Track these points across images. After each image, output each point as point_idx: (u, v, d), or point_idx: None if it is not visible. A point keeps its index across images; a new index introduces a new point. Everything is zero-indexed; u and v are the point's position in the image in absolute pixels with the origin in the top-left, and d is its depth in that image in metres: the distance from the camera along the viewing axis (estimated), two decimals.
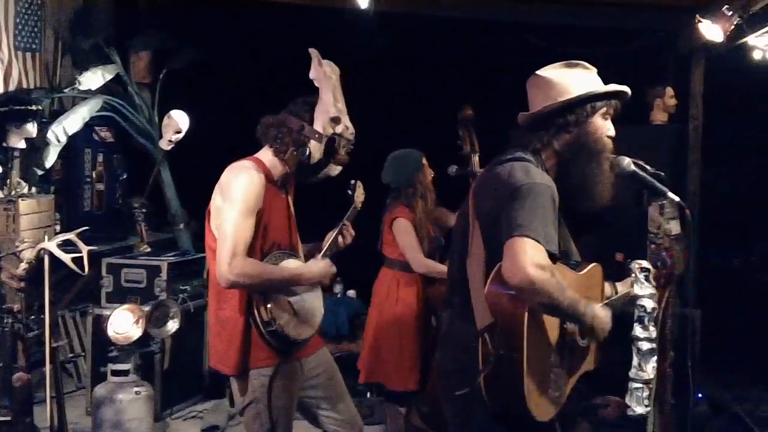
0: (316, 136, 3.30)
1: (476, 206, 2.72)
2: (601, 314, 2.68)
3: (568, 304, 2.51)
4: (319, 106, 3.33)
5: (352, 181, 3.74)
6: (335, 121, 3.32)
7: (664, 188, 2.78)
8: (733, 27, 5.33)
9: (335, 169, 3.42)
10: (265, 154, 3.34)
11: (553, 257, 2.52)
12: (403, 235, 4.55)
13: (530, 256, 2.41)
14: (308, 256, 3.49)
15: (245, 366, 3.25)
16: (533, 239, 2.45)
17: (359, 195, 3.75)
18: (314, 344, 3.49)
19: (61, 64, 6.90)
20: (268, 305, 3.18)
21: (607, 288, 3.00)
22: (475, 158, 4.70)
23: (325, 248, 3.47)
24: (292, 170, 3.32)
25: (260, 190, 3.21)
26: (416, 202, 4.58)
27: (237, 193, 3.15)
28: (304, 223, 3.58)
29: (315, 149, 3.31)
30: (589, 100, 2.75)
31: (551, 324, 2.61)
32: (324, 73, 3.35)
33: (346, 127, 3.35)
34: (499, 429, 2.65)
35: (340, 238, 3.53)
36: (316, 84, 3.35)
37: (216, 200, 3.23)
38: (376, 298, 4.74)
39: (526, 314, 2.47)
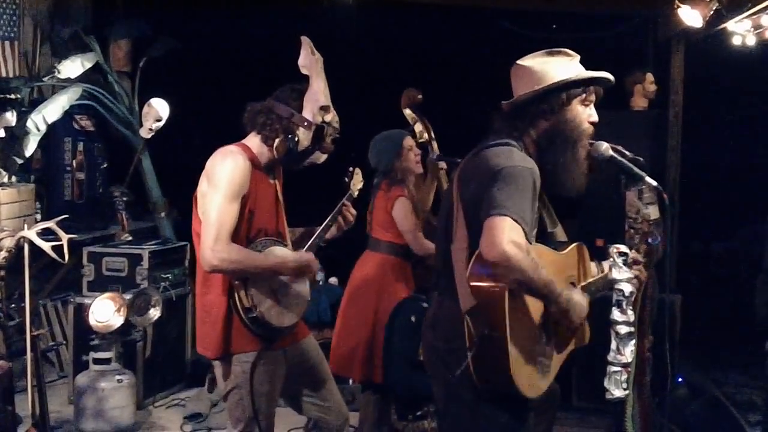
0: (305, 123, 3.30)
1: (460, 191, 2.74)
2: (577, 298, 2.70)
3: (543, 284, 2.54)
4: (309, 94, 3.33)
5: (350, 168, 3.76)
6: (325, 109, 3.33)
7: (642, 173, 2.80)
8: (711, 12, 5.36)
9: (321, 157, 3.44)
10: (252, 140, 3.34)
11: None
12: (404, 215, 4.41)
13: (507, 234, 2.45)
14: (302, 239, 3.52)
15: (227, 351, 3.26)
16: (511, 218, 2.48)
17: (356, 182, 3.77)
18: (300, 332, 3.50)
19: (40, 53, 6.84)
20: (250, 291, 3.18)
21: (594, 269, 3.02)
22: (434, 144, 4.65)
23: (318, 231, 3.50)
24: (280, 157, 3.32)
25: (246, 175, 3.21)
26: (407, 182, 4.49)
27: (222, 178, 3.15)
28: (297, 209, 3.59)
29: (303, 137, 3.32)
30: (565, 87, 2.76)
31: (534, 303, 2.64)
32: (315, 61, 3.35)
33: (333, 115, 3.37)
34: (488, 408, 2.68)
35: (340, 219, 3.56)
36: (306, 72, 3.36)
37: (202, 185, 3.23)
38: (358, 286, 4.58)
39: (506, 294, 2.51)
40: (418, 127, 4.68)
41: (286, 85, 3.40)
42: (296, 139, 3.30)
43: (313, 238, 3.50)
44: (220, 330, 3.23)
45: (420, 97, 4.63)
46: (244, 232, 3.23)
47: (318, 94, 3.33)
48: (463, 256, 2.66)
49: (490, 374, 2.59)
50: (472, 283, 2.58)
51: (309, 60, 3.36)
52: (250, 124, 3.36)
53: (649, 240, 2.82)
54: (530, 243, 2.58)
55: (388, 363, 4.30)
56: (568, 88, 2.76)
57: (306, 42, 3.39)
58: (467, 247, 2.66)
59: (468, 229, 2.67)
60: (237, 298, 3.19)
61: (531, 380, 2.62)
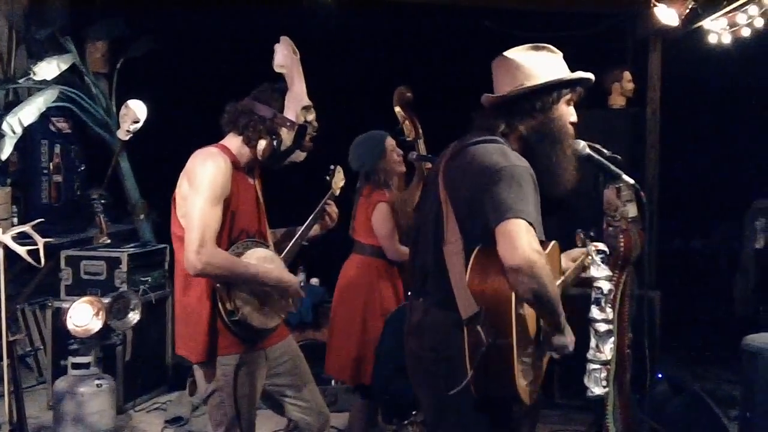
0: (288, 124, 3.30)
1: (449, 192, 2.67)
2: (569, 329, 2.67)
3: (555, 296, 2.48)
4: (292, 93, 3.33)
5: (332, 167, 3.75)
6: (307, 109, 3.34)
7: (619, 171, 2.80)
8: (688, 11, 5.39)
9: (301, 156, 3.44)
10: (232, 141, 3.32)
11: (541, 243, 2.49)
12: (381, 221, 4.39)
13: (528, 239, 2.39)
14: (284, 239, 3.51)
15: (210, 354, 3.23)
16: (527, 221, 2.42)
17: (338, 180, 3.76)
18: (279, 333, 3.48)
19: (15, 55, 6.79)
20: (233, 295, 3.17)
21: (564, 263, 3.01)
22: (421, 143, 4.63)
23: (301, 230, 3.49)
24: (264, 158, 3.31)
25: (227, 178, 3.19)
26: (389, 185, 4.47)
27: (203, 180, 3.13)
28: (278, 209, 3.57)
29: (286, 137, 3.32)
30: (557, 86, 2.74)
31: (528, 308, 2.59)
32: (296, 61, 3.34)
33: (313, 114, 3.37)
34: (482, 415, 2.63)
35: (325, 218, 3.56)
36: (285, 71, 3.34)
37: (182, 188, 3.20)
38: (347, 287, 4.54)
39: (513, 298, 2.44)
40: (407, 126, 4.67)
41: (264, 84, 3.38)
42: (280, 139, 3.30)
43: (295, 237, 3.49)
44: (202, 333, 3.20)
45: (410, 95, 4.61)
46: (226, 234, 3.21)
47: (301, 94, 3.33)
48: (458, 259, 2.58)
49: (493, 383, 2.52)
50: (476, 288, 2.50)
51: (290, 60, 3.35)
52: (231, 125, 3.33)
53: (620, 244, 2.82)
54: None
55: (378, 368, 4.28)
56: (560, 87, 2.74)
57: (286, 41, 3.38)
58: (462, 250, 2.58)
59: (462, 233, 2.60)
60: (219, 301, 3.16)
61: (528, 385, 2.58)
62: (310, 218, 3.55)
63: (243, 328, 3.21)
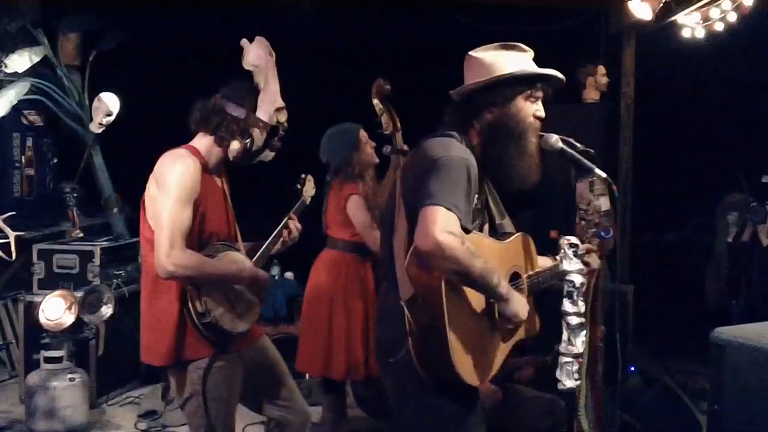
0: (261, 124, 3.29)
1: (402, 184, 2.76)
2: (518, 296, 2.72)
3: (479, 273, 2.53)
4: (265, 94, 3.31)
5: (302, 175, 3.74)
6: (280, 111, 3.33)
7: (592, 165, 2.82)
8: (661, 5, 5.42)
9: (269, 155, 3.42)
10: (201, 141, 3.28)
11: (464, 229, 2.55)
12: (357, 212, 4.38)
13: (440, 223, 2.46)
14: (249, 255, 3.43)
15: (177, 357, 3.19)
16: (443, 207, 2.49)
17: (308, 189, 3.75)
18: (254, 332, 3.45)
19: None
20: (203, 297, 3.13)
21: (543, 261, 3.03)
22: (398, 136, 4.63)
23: (266, 244, 3.45)
24: (237, 159, 3.29)
25: (196, 179, 3.15)
26: (362, 177, 4.45)
27: (172, 183, 3.09)
28: (249, 218, 3.55)
29: (258, 138, 3.30)
30: (509, 82, 2.76)
31: (475, 292, 2.65)
32: (271, 62, 3.32)
33: (285, 115, 3.36)
34: (434, 396, 2.69)
35: (285, 233, 3.51)
36: (259, 71, 3.32)
37: (151, 189, 3.15)
38: (316, 283, 4.55)
39: (443, 283, 2.52)
40: (385, 119, 4.66)
41: (234, 83, 3.34)
42: (252, 140, 3.28)
43: (259, 253, 3.44)
44: (171, 337, 3.16)
45: (388, 87, 4.60)
46: (195, 236, 3.17)
47: (275, 95, 3.32)
48: (403, 245, 2.68)
49: (432, 364, 2.60)
50: (410, 273, 2.60)
51: (264, 60, 3.33)
52: (202, 125, 3.29)
53: (602, 233, 2.84)
54: (467, 232, 2.58)
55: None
56: (512, 83, 2.76)
57: (261, 42, 3.36)
58: (406, 237, 2.67)
59: (408, 221, 2.67)
60: (190, 303, 3.12)
61: (472, 367, 2.62)
62: (275, 232, 3.51)
63: (213, 331, 3.17)
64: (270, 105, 3.29)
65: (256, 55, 3.33)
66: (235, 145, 3.25)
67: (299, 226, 3.56)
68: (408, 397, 2.74)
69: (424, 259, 2.50)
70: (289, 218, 3.55)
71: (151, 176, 3.17)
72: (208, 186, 3.24)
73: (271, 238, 3.49)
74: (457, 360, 2.54)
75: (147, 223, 3.17)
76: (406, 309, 2.62)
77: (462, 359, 2.57)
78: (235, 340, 3.28)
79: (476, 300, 2.66)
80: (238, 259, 3.29)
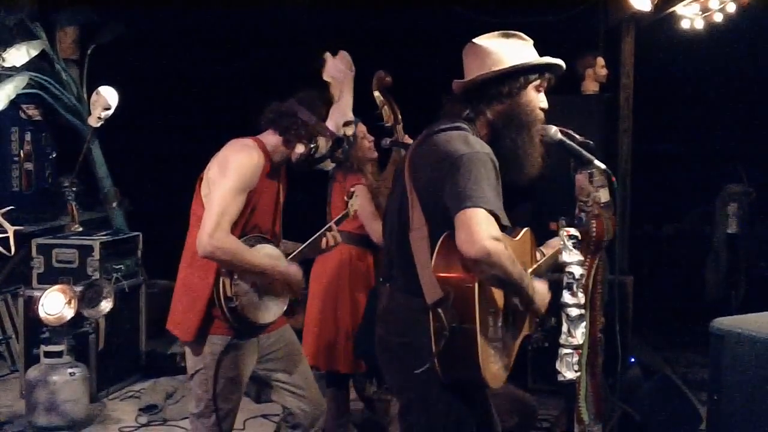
0: (328, 133, 3.40)
1: (414, 179, 2.69)
2: (539, 287, 2.73)
3: (518, 277, 2.53)
4: (338, 106, 3.47)
5: (352, 189, 3.88)
6: (348, 124, 3.48)
7: (591, 156, 2.81)
8: None
9: (329, 165, 3.57)
10: (269, 138, 3.39)
11: (503, 228, 2.53)
12: (362, 202, 4.28)
13: (485, 228, 2.42)
14: (285, 254, 3.51)
15: (201, 335, 3.29)
16: (486, 210, 2.45)
17: (354, 203, 3.83)
18: (276, 322, 3.51)
19: None
20: (235, 282, 3.22)
21: (537, 253, 3.03)
22: (399, 128, 4.62)
23: (302, 246, 3.52)
24: (299, 162, 3.40)
25: (257, 172, 3.27)
26: (363, 171, 4.43)
27: (233, 169, 3.21)
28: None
29: (322, 145, 3.42)
30: (523, 71, 2.74)
31: (498, 293, 2.63)
32: (350, 77, 3.43)
33: (353, 130, 3.57)
34: (453, 400, 2.66)
35: (323, 240, 3.58)
36: (336, 83, 3.48)
37: (212, 170, 3.28)
38: (320, 276, 4.51)
39: (476, 285, 2.48)
40: (386, 111, 4.64)
41: (310, 90, 3.47)
42: (317, 146, 3.39)
43: (293, 254, 3.50)
44: (199, 314, 3.26)
45: (389, 79, 4.58)
46: (240, 226, 3.27)
47: (346, 108, 3.48)
48: (424, 245, 2.61)
49: (458, 367, 2.55)
50: (440, 275, 2.52)
51: (343, 74, 3.50)
52: (272, 124, 3.41)
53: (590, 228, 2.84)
54: (504, 229, 2.55)
55: (364, 336, 4.25)
56: (527, 72, 2.74)
57: (345, 56, 3.52)
58: (428, 236, 2.60)
59: (426, 220, 2.62)
60: (221, 286, 3.21)
61: (495, 369, 2.61)
62: (315, 236, 3.57)
63: (237, 318, 3.26)
64: (340, 117, 3.44)
65: (336, 68, 3.50)
66: (300, 149, 3.38)
67: (338, 237, 3.64)
68: (417, 396, 2.70)
69: (468, 264, 2.45)
70: (330, 228, 3.61)
71: (214, 158, 3.31)
72: (266, 182, 3.35)
73: (309, 241, 3.55)
74: (483, 363, 2.51)
75: (200, 198, 3.29)
76: (434, 312, 2.52)
77: (487, 362, 2.54)
78: (256, 330, 3.38)
79: (498, 299, 2.64)
80: (273, 254, 3.37)
